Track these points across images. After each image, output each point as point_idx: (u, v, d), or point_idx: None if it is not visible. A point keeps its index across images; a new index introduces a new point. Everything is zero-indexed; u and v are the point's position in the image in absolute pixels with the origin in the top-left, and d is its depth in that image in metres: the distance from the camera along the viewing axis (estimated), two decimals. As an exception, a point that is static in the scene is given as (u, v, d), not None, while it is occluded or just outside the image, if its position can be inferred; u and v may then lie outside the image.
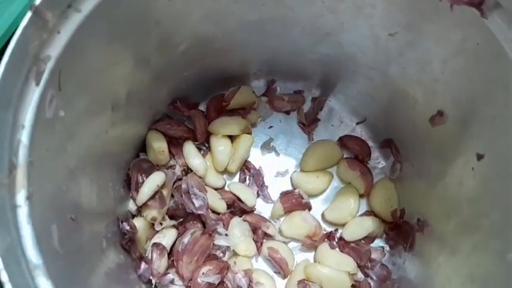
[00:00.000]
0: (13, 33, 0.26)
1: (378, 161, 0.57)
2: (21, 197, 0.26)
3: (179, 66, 0.48)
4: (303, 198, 0.53)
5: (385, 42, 0.43)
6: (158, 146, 0.50)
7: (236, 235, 0.50)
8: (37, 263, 0.25)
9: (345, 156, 0.57)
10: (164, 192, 0.48)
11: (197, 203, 0.48)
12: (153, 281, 0.46)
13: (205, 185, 0.52)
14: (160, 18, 0.38)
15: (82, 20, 0.30)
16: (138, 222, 0.47)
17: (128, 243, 0.46)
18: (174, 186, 0.50)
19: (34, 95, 0.28)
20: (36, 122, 0.28)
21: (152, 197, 0.47)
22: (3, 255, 0.23)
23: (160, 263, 0.46)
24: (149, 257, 0.46)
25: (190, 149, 0.53)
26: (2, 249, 0.23)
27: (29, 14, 0.26)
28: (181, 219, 0.50)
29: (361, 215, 0.54)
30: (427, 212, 0.48)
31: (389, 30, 0.41)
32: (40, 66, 0.28)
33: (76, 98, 0.33)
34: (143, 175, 0.49)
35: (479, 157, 0.38)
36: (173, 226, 0.50)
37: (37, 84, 0.28)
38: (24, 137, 0.27)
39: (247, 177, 0.55)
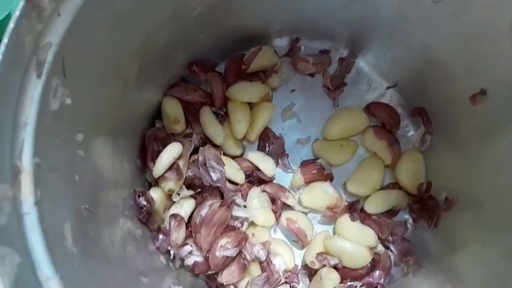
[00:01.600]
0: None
1: (407, 130, 0.54)
2: (29, 204, 0.25)
3: (194, 31, 0.44)
4: (325, 169, 0.51)
5: (428, 9, 0.37)
6: (174, 114, 0.48)
7: (255, 206, 0.49)
8: (50, 275, 0.24)
9: (372, 124, 0.53)
10: (181, 163, 0.47)
11: (214, 175, 0.46)
12: (171, 252, 0.46)
13: (223, 153, 0.51)
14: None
15: (84, 1, 0.26)
16: (155, 194, 0.46)
17: (145, 216, 0.45)
18: (191, 156, 0.48)
19: (36, 88, 0.26)
20: (40, 117, 0.26)
21: (169, 168, 0.46)
22: (15, 281, 0.22)
23: (178, 234, 0.45)
24: (167, 228, 0.45)
25: (207, 116, 0.50)
26: (12, 274, 0.22)
27: (22, 3, 0.22)
28: (198, 189, 0.49)
29: (385, 187, 0.52)
30: (457, 191, 0.46)
31: (434, -4, 0.36)
32: (40, 56, 0.25)
33: (83, 82, 0.30)
34: (159, 145, 0.47)
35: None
36: (191, 196, 0.49)
37: (38, 76, 0.25)
38: (27, 136, 0.25)
39: (267, 145, 0.53)
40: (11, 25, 0.22)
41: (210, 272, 0.47)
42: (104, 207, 0.37)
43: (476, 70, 0.38)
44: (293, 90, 0.55)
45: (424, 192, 0.51)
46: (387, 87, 0.54)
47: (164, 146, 0.47)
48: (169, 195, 0.48)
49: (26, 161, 0.25)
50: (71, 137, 0.30)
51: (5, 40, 0.22)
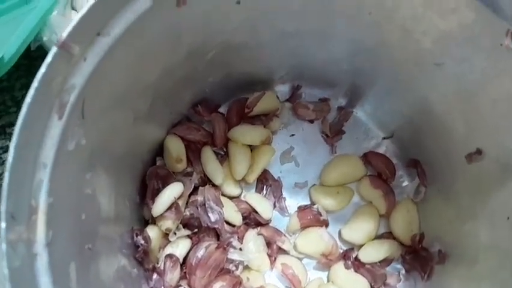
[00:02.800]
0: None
1: (402, 180, 0.55)
2: (41, 246, 0.25)
3: (203, 72, 0.45)
4: (321, 214, 0.52)
5: (431, 70, 0.39)
6: (177, 153, 0.48)
7: (251, 250, 0.49)
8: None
9: (368, 173, 0.54)
10: (180, 202, 0.47)
11: (213, 217, 0.46)
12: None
13: (221, 193, 0.51)
14: (195, 31, 0.35)
15: (111, 44, 0.27)
16: (152, 232, 0.46)
17: (141, 255, 0.44)
18: (190, 196, 0.48)
19: (57, 129, 0.26)
20: (57, 158, 0.26)
21: (169, 208, 0.46)
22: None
23: (172, 275, 0.45)
24: (162, 268, 0.45)
25: (208, 156, 0.51)
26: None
27: (54, 50, 0.23)
28: (195, 230, 0.49)
29: (379, 237, 0.52)
30: (451, 244, 0.46)
31: (437, 59, 0.38)
32: (64, 98, 0.26)
33: (98, 121, 0.31)
34: (159, 182, 0.47)
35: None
36: (187, 236, 0.48)
37: (60, 117, 0.26)
38: (45, 176, 0.25)
39: (265, 187, 0.54)
40: (43, 70, 0.23)
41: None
42: (103, 245, 0.36)
43: (474, 129, 0.40)
44: (293, 135, 0.56)
45: (417, 243, 0.51)
46: (384, 138, 0.55)
47: (165, 184, 0.47)
48: (165, 234, 0.47)
49: (42, 201, 0.25)
50: (82, 175, 0.30)
51: (36, 84, 0.22)
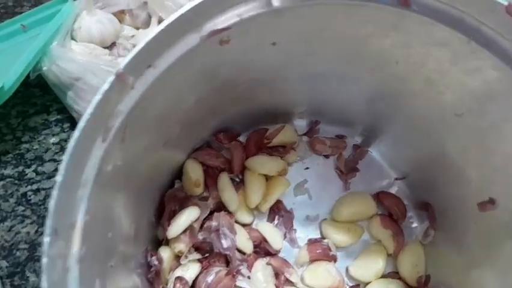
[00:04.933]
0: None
1: (411, 221, 0.56)
2: (73, 259, 0.26)
3: (231, 103, 0.47)
4: (330, 249, 0.52)
5: (450, 120, 0.41)
6: (196, 177, 0.50)
7: (259, 280, 0.49)
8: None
9: (379, 212, 0.55)
10: (195, 225, 0.48)
11: (225, 243, 0.47)
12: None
13: (235, 220, 0.52)
14: (231, 67, 0.37)
15: (158, 75, 0.29)
16: (164, 253, 0.46)
17: (153, 276, 0.45)
18: (204, 220, 0.49)
19: (99, 151, 0.27)
20: (97, 178, 0.28)
21: (184, 231, 0.47)
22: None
23: (180, 300, 0.45)
24: (171, 292, 0.45)
25: (225, 182, 0.52)
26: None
27: (111, 79, 0.25)
28: (206, 254, 0.49)
29: (385, 276, 0.53)
30: (457, 291, 0.47)
31: (457, 110, 0.40)
32: (110, 123, 0.27)
33: (134, 146, 0.32)
34: (176, 204, 0.49)
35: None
36: (198, 260, 0.49)
37: (104, 140, 0.27)
38: (85, 194, 0.27)
39: (277, 217, 0.55)
40: (99, 97, 0.24)
41: None
42: (121, 263, 0.37)
43: (488, 179, 0.41)
44: (307, 168, 0.57)
45: (423, 285, 0.52)
46: (396, 178, 0.57)
47: (181, 206, 0.48)
48: (177, 257, 0.48)
49: (80, 218, 0.26)
50: (114, 195, 0.32)
51: (91, 110, 0.24)
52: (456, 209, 0.48)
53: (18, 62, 0.52)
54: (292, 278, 0.51)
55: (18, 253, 0.51)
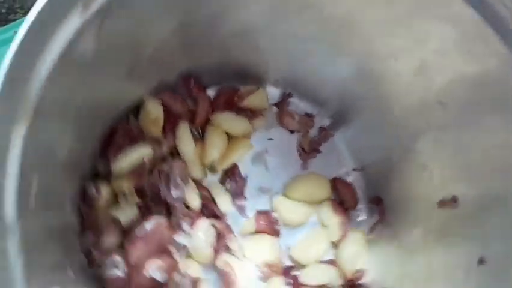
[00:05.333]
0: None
1: (359, 213, 0.55)
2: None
3: (205, 49, 0.43)
4: (277, 224, 0.50)
5: (430, 109, 0.40)
6: (156, 115, 0.45)
7: (200, 239, 0.46)
8: (12, 220, 0.20)
9: (332, 197, 0.54)
10: (144, 166, 0.43)
11: (175, 193, 0.44)
12: (95, 257, 0.40)
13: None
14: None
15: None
16: (103, 189, 0.42)
17: (86, 207, 0.40)
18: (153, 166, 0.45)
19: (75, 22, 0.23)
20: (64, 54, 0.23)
21: (131, 169, 0.42)
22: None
23: (112, 240, 0.41)
24: (102, 230, 0.41)
25: (184, 130, 0.48)
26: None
27: None
28: (146, 199, 0.45)
29: (324, 262, 0.52)
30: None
31: (442, 98, 0.39)
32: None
33: (105, 45, 0.28)
34: (127, 140, 0.44)
35: (481, 261, 0.36)
36: (136, 204, 0.45)
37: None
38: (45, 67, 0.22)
39: (229, 181, 0.51)
40: None
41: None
42: (60, 183, 0.32)
43: (456, 177, 0.41)
44: (271, 139, 0.55)
45: (357, 278, 0.51)
46: (354, 169, 0.56)
47: (133, 143, 0.44)
48: (115, 195, 0.43)
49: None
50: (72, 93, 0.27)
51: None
52: (410, 205, 0.48)
53: None
54: (233, 246, 0.48)
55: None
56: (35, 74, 0.22)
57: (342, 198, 0.54)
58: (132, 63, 0.38)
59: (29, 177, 0.24)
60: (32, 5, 0.23)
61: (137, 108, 0.47)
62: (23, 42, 0.22)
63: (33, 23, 0.21)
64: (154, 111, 0.45)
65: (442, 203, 0.42)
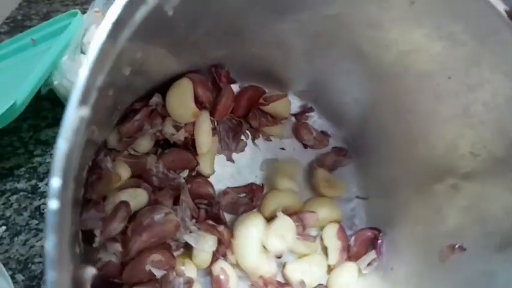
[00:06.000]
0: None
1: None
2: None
3: (258, 40, 0.41)
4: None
5: (456, 158, 0.40)
6: (189, 97, 0.42)
7: (206, 241, 0.43)
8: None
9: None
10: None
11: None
12: (96, 239, 0.36)
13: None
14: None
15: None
16: (119, 166, 0.38)
17: (94, 180, 0.36)
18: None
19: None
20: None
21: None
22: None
23: (117, 225, 0.37)
24: (110, 213, 0.36)
25: (205, 121, 0.45)
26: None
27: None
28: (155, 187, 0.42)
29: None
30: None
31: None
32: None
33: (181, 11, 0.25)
34: (149, 121, 0.41)
35: None
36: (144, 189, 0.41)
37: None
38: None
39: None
40: None
41: (116, 281, 0.38)
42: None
43: (471, 228, 0.40)
44: (283, 149, 0.53)
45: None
46: (357, 197, 0.55)
47: (153, 125, 0.40)
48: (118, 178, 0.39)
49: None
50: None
51: None
52: (412, 244, 0.47)
53: (29, 77, 0.51)
54: (231, 257, 0.45)
55: (33, 267, 0.50)
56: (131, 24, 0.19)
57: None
58: (188, 34, 0.34)
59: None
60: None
61: (165, 89, 0.43)
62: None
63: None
64: (187, 92, 0.42)
65: (449, 249, 0.41)
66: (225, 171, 0.49)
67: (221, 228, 0.44)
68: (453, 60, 0.36)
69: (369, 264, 0.51)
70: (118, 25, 0.19)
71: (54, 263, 0.18)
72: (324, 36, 0.40)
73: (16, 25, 0.71)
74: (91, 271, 0.30)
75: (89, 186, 0.36)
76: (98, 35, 0.18)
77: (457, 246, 0.41)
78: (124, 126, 0.40)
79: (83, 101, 0.19)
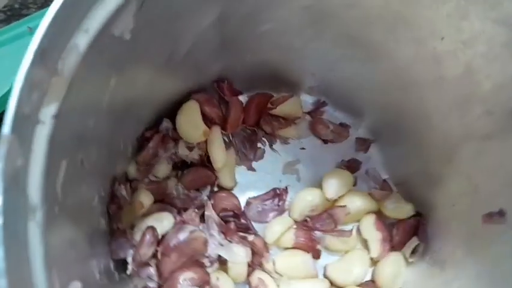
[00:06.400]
0: None
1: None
2: (48, 113, 0.19)
3: (246, 46, 0.42)
4: (319, 242, 0.47)
5: (472, 120, 0.37)
6: (197, 118, 0.44)
7: (239, 253, 0.43)
8: (36, 203, 0.18)
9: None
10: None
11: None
12: (129, 267, 0.38)
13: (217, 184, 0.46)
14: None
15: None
16: (140, 195, 0.40)
17: (115, 209, 0.38)
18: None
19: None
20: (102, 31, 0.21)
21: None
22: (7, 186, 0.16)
23: (147, 250, 0.38)
24: (138, 240, 0.38)
25: (217, 136, 0.46)
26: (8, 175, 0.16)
27: None
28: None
29: (362, 284, 0.48)
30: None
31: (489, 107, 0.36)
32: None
33: (143, 29, 0.26)
34: (163, 146, 0.42)
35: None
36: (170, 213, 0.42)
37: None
38: (83, 42, 0.20)
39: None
40: None
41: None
42: (90, 176, 0.31)
43: (504, 190, 0.37)
44: (303, 149, 0.52)
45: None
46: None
47: (167, 150, 0.42)
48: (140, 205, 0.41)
49: (68, 66, 0.20)
50: (106, 80, 0.26)
51: None
52: (452, 222, 0.44)
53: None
54: (267, 265, 0.45)
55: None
56: (70, 49, 0.20)
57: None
58: (170, 54, 0.36)
59: (56, 161, 0.22)
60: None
61: (172, 112, 0.45)
62: (56, 17, 0.20)
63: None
64: (195, 113, 0.44)
65: (488, 218, 0.38)
66: (248, 181, 0.49)
67: (251, 237, 0.44)
68: (441, 20, 0.35)
69: (413, 252, 0.48)
70: (45, 53, 0.20)
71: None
72: (310, 27, 0.40)
73: (13, 13, 0.70)
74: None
75: (112, 216, 0.38)
76: (23, 63, 0.19)
77: (496, 211, 0.38)
78: (140, 155, 0.42)
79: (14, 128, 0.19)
